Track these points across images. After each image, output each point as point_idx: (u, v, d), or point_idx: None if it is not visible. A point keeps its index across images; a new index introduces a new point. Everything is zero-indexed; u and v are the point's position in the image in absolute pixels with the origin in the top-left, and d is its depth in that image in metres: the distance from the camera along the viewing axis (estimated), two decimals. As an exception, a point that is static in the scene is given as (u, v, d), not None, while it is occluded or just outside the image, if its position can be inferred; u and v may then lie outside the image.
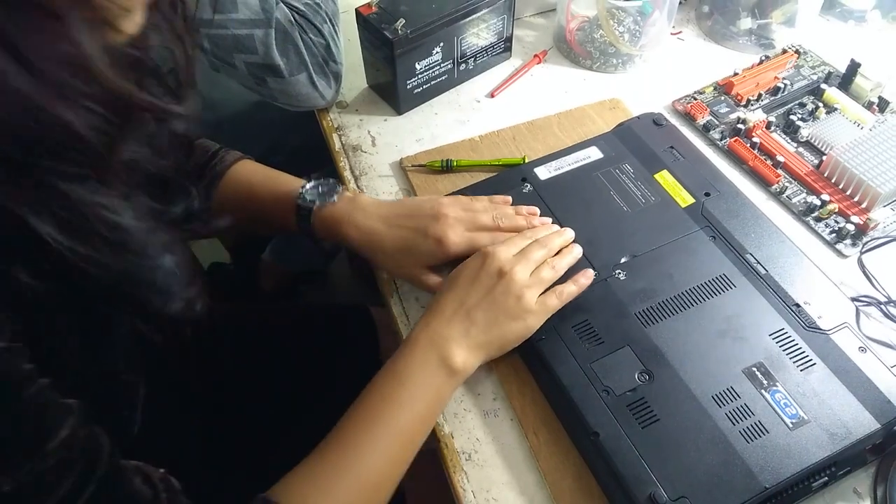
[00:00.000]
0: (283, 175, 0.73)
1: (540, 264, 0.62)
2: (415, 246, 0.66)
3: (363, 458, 0.53)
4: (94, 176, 0.40)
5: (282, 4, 0.75)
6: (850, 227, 0.70)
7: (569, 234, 0.66)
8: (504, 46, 0.91)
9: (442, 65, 0.85)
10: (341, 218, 0.68)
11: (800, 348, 0.58)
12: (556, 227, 0.68)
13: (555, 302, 0.61)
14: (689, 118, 0.84)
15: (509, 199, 0.71)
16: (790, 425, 0.54)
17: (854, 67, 0.83)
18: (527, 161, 0.77)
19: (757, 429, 0.54)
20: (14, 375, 0.38)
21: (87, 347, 0.46)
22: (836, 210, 0.72)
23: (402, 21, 0.78)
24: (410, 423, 0.56)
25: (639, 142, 0.76)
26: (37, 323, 0.40)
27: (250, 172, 0.73)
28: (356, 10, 0.80)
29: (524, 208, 0.69)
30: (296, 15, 0.76)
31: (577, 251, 0.65)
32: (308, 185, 0.70)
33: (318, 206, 0.68)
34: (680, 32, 0.98)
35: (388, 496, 0.55)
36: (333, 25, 0.80)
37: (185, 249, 0.48)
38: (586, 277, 0.63)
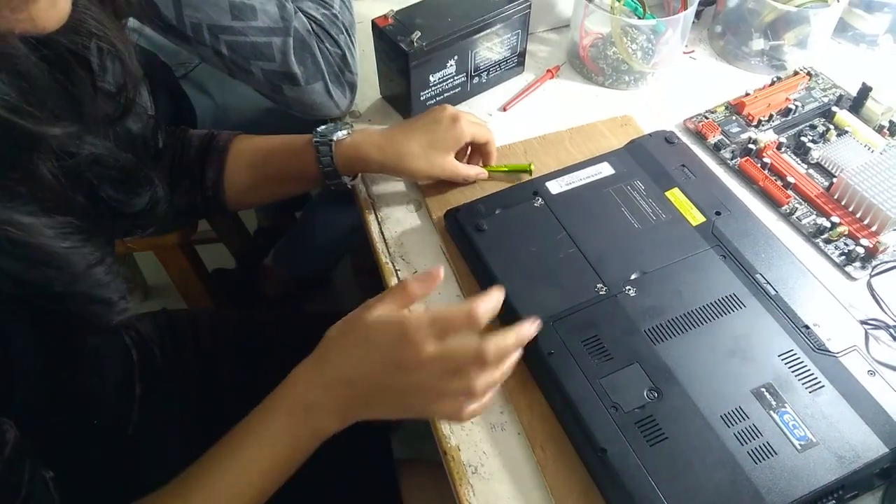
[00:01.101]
0: (288, 135, 0.77)
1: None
2: (436, 131, 0.72)
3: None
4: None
5: (300, 14, 0.76)
6: (860, 250, 0.70)
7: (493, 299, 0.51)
8: (517, 61, 0.92)
9: (455, 77, 0.86)
10: (360, 143, 0.73)
11: (808, 370, 0.59)
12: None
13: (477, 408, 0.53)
14: (700, 137, 0.85)
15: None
16: (798, 447, 0.54)
17: (865, 91, 0.84)
18: (533, 167, 0.79)
19: (765, 450, 0.54)
20: None
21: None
22: (846, 233, 0.72)
23: (417, 34, 0.78)
24: (262, 486, 0.53)
25: (650, 159, 0.76)
26: None
27: (256, 140, 0.77)
28: (372, 21, 0.81)
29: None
30: (313, 24, 0.77)
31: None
32: (320, 129, 0.74)
33: (337, 140, 0.73)
34: (692, 51, 0.98)
35: None
36: (350, 36, 0.81)
37: (116, 264, 0.49)
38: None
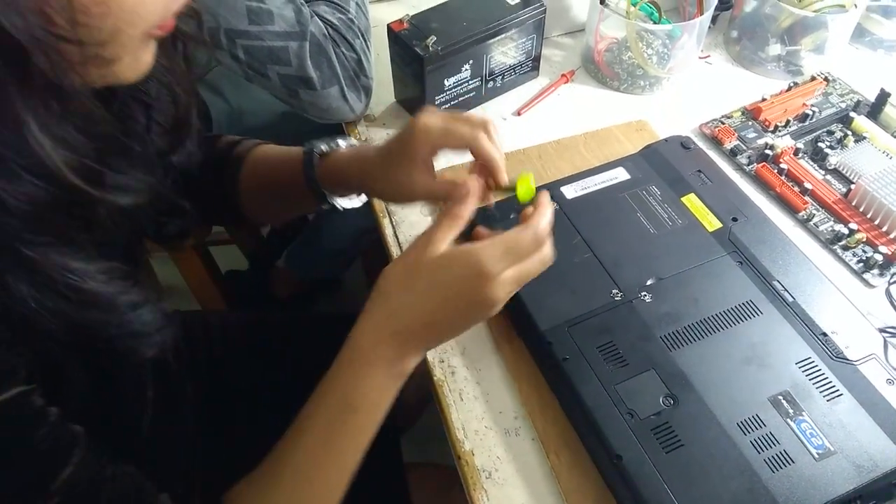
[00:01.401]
0: (295, 147, 0.71)
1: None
2: (397, 140, 0.59)
3: (314, 487, 0.52)
4: (58, 241, 0.41)
5: (316, 18, 0.76)
6: (878, 258, 0.70)
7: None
8: (532, 65, 0.92)
9: (470, 82, 0.86)
10: (343, 158, 0.66)
11: (826, 378, 0.58)
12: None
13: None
14: (716, 142, 0.84)
15: (490, 121, 0.58)
16: (816, 456, 0.54)
17: (884, 97, 0.83)
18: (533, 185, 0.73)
19: (782, 458, 0.53)
20: (27, 419, 0.39)
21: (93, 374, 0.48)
22: (864, 239, 0.72)
23: (433, 38, 0.78)
24: (362, 443, 0.53)
25: (666, 164, 0.76)
26: (46, 353, 0.42)
27: (270, 150, 0.72)
28: (388, 25, 0.81)
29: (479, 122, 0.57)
30: (329, 29, 0.77)
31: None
32: (315, 140, 0.68)
33: (322, 151, 0.67)
34: (708, 56, 0.98)
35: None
36: (365, 41, 0.81)
37: (160, 300, 0.49)
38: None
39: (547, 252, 0.52)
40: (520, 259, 0.50)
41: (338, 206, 0.70)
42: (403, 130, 0.58)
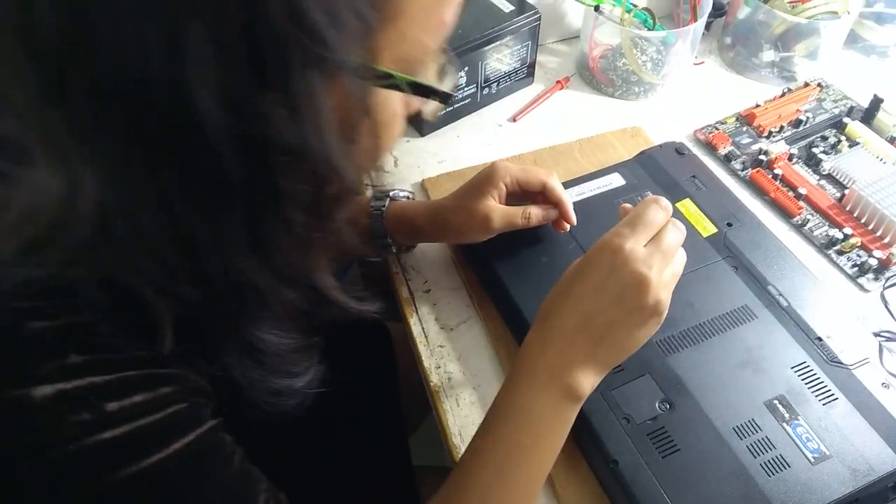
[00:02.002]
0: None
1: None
2: (474, 180, 0.66)
3: None
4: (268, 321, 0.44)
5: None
6: (873, 262, 0.70)
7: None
8: (527, 72, 0.92)
9: (466, 89, 0.86)
10: (412, 207, 0.69)
11: (822, 382, 0.58)
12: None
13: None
14: (710, 148, 0.85)
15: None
16: (812, 460, 0.54)
17: (877, 102, 0.83)
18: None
19: (778, 462, 0.53)
20: (223, 448, 0.40)
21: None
22: (859, 244, 0.72)
23: (428, 44, 0.78)
24: (541, 463, 0.51)
25: (661, 170, 0.76)
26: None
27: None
28: (384, 32, 0.81)
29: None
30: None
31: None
32: (377, 192, 0.70)
33: (392, 196, 0.70)
34: (702, 63, 0.98)
35: None
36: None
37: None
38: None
39: (675, 223, 0.52)
40: (647, 228, 0.51)
41: (392, 249, 0.72)
42: (480, 172, 0.66)
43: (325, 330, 0.50)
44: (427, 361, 0.65)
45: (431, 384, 0.64)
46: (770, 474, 0.53)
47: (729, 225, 0.71)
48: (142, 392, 0.35)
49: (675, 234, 0.52)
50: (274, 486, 0.44)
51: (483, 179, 0.65)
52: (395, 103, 0.39)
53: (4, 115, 0.30)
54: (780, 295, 0.64)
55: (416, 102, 0.42)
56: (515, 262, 0.68)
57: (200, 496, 0.38)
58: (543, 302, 0.53)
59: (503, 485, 0.49)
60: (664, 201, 0.53)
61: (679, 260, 0.52)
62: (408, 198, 0.72)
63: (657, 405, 0.57)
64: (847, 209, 0.75)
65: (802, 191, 0.77)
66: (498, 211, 0.64)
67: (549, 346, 0.50)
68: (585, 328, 0.50)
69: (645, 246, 0.50)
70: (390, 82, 0.35)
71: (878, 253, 0.71)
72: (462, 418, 0.61)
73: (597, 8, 0.87)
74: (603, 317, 0.49)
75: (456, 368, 0.65)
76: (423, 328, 0.68)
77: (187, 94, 0.29)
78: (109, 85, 0.29)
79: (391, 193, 0.70)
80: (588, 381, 0.50)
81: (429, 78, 0.40)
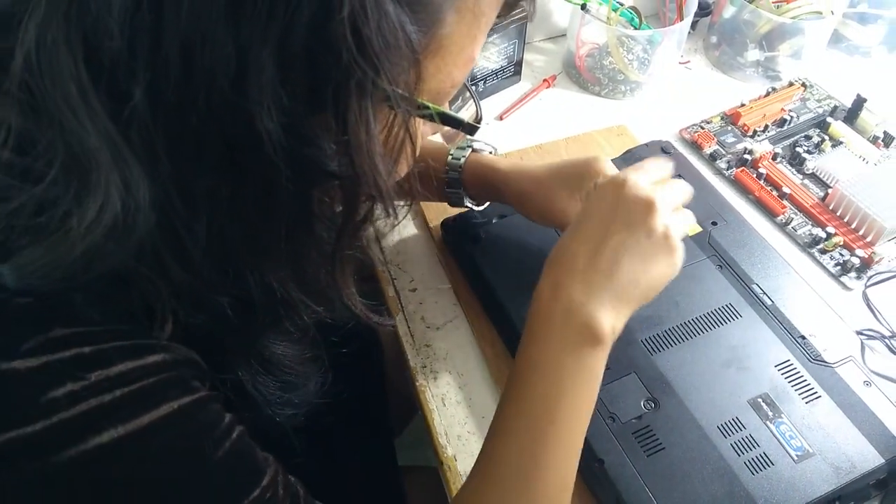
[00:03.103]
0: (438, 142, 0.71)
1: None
2: (572, 166, 0.62)
3: (542, 472, 0.46)
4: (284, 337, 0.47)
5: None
6: (855, 261, 0.71)
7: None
8: (514, 70, 0.92)
9: (452, 86, 0.86)
10: (500, 168, 0.66)
11: (805, 381, 0.59)
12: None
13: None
14: (695, 147, 0.85)
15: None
16: (795, 458, 0.54)
17: (860, 102, 0.84)
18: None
19: (762, 460, 0.54)
20: (216, 422, 0.38)
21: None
22: (842, 243, 0.73)
23: (415, 42, 0.78)
24: (572, 421, 0.47)
25: (647, 169, 0.77)
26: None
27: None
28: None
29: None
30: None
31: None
32: (459, 142, 0.69)
33: (476, 148, 0.68)
34: (688, 62, 0.99)
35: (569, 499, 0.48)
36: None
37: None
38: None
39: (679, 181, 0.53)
40: (648, 173, 0.51)
41: (469, 206, 0.70)
42: (581, 161, 0.61)
43: (326, 338, 0.51)
44: (413, 361, 0.65)
45: (417, 383, 0.64)
46: (754, 472, 0.53)
47: (714, 224, 0.71)
48: (129, 360, 0.34)
49: (680, 184, 0.52)
50: (287, 477, 0.42)
51: (579, 173, 0.60)
52: (420, 130, 0.41)
53: (69, 131, 0.31)
54: (764, 293, 0.65)
55: (429, 129, 0.44)
56: (502, 263, 0.68)
57: (181, 472, 0.36)
58: (553, 248, 0.51)
59: (536, 447, 0.46)
60: (666, 160, 0.53)
61: (687, 214, 0.52)
62: (491, 152, 0.69)
63: (642, 404, 0.57)
64: (830, 208, 0.76)
65: (786, 190, 0.78)
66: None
67: (561, 287, 0.48)
68: (596, 260, 0.48)
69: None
70: (425, 112, 0.38)
71: (860, 252, 0.71)
72: (448, 417, 0.61)
73: (583, 7, 0.87)
74: (612, 243, 0.48)
75: (442, 368, 0.65)
76: (409, 327, 0.68)
77: (251, 116, 0.31)
78: (175, 104, 0.31)
79: (474, 144, 0.68)
80: (607, 320, 0.47)
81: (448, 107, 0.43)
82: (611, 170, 0.60)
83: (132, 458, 0.33)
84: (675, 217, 0.50)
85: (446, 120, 0.40)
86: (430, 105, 0.38)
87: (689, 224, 0.52)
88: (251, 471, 0.39)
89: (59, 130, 0.31)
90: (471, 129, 0.44)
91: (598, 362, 0.48)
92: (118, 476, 0.33)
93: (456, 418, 0.61)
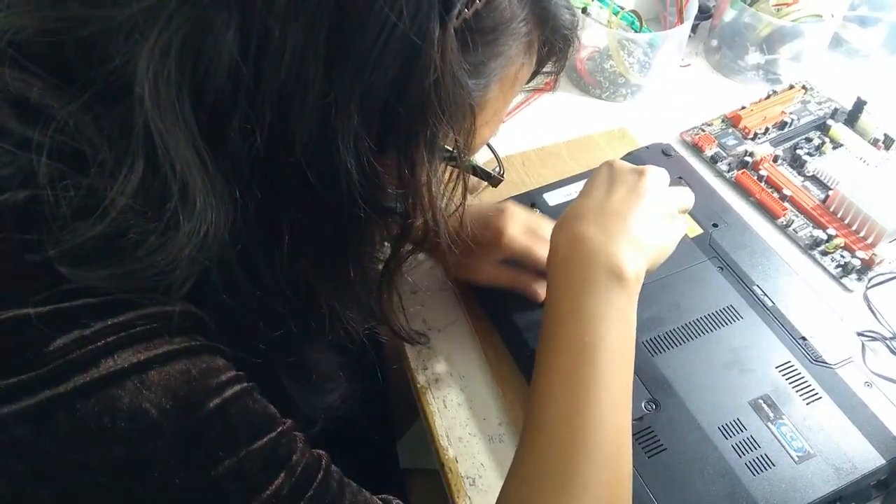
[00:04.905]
0: None
1: None
2: (478, 234, 0.60)
3: (593, 424, 0.45)
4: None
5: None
6: (856, 262, 0.71)
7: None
8: (515, 73, 0.92)
9: (454, 90, 0.86)
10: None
11: (806, 382, 0.59)
12: None
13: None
14: (696, 149, 0.85)
15: None
16: (796, 459, 0.54)
17: (860, 105, 0.84)
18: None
19: (763, 461, 0.54)
20: (223, 371, 0.38)
21: None
22: (842, 245, 0.73)
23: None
24: (613, 365, 0.47)
25: (647, 171, 0.77)
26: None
27: None
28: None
29: None
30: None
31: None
32: None
33: None
34: (689, 65, 0.99)
35: (629, 449, 0.46)
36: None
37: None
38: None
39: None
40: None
41: None
42: (485, 227, 0.63)
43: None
44: (414, 362, 0.65)
45: (418, 385, 0.64)
46: (755, 473, 0.53)
47: (715, 226, 0.71)
48: (134, 310, 0.35)
49: (681, 188, 0.58)
50: (308, 446, 0.42)
51: (481, 247, 0.60)
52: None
53: (171, 158, 0.34)
54: (765, 295, 0.65)
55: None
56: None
57: (180, 406, 0.35)
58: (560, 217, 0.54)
59: (580, 403, 0.45)
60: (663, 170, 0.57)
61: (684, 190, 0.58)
62: (497, 171, 0.69)
63: (643, 405, 0.58)
64: (831, 210, 0.76)
65: (787, 192, 0.78)
66: (496, 278, 0.66)
67: (577, 234, 0.51)
68: (606, 209, 0.52)
69: None
70: (462, 164, 0.42)
71: (861, 253, 0.71)
72: (449, 419, 0.61)
73: (584, 10, 0.88)
74: (616, 199, 0.52)
75: (443, 369, 0.65)
76: (406, 317, 0.68)
77: (334, 157, 0.35)
78: (267, 143, 0.34)
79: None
80: (629, 260, 0.49)
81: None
82: (515, 230, 0.64)
83: (131, 388, 0.34)
84: (670, 188, 0.55)
85: (476, 172, 0.49)
86: (467, 158, 0.43)
87: (686, 199, 0.57)
88: (264, 417, 0.39)
89: (163, 158, 0.34)
90: (496, 181, 0.52)
91: (628, 304, 0.49)
92: (118, 406, 0.33)
93: (457, 420, 0.61)
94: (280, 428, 0.39)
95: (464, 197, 0.44)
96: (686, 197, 0.57)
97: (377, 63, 0.34)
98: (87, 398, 0.33)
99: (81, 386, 0.32)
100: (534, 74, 0.47)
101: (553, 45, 0.45)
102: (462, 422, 0.61)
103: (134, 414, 0.33)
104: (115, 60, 0.34)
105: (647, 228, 0.51)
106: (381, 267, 0.47)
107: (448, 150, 0.41)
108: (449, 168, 0.43)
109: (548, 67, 0.48)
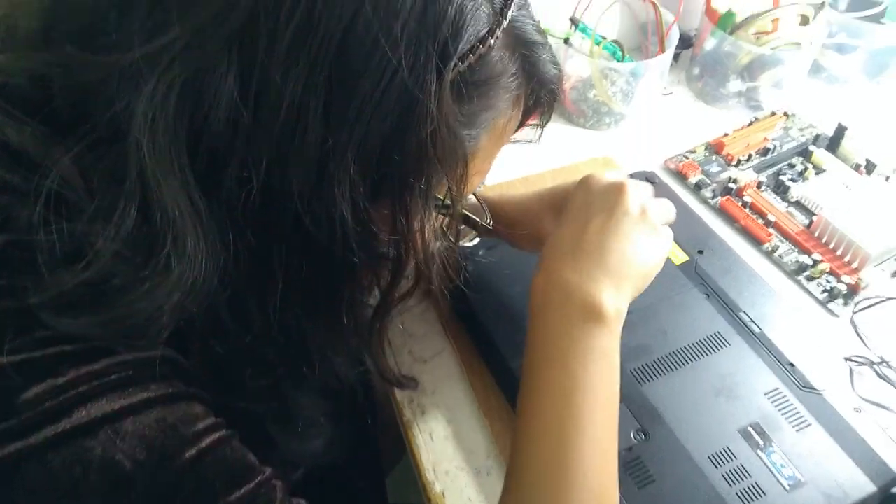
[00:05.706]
0: None
1: None
2: (563, 193, 0.61)
3: (573, 475, 0.43)
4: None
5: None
6: (842, 287, 0.71)
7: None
8: (499, 104, 0.93)
9: (438, 120, 0.87)
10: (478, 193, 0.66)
11: (795, 408, 0.58)
12: None
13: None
14: (680, 177, 0.86)
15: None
16: (787, 487, 0.53)
17: (841, 130, 0.85)
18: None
19: (754, 490, 0.53)
20: (200, 418, 0.37)
21: None
22: (828, 270, 0.73)
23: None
24: (595, 407, 0.46)
25: (632, 199, 0.77)
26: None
27: None
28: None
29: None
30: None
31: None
32: None
33: None
34: (671, 93, 1.00)
35: (616, 492, 0.45)
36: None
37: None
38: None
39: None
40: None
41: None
42: (565, 184, 0.62)
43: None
44: (400, 395, 0.65)
45: (405, 419, 0.63)
46: (746, 503, 0.52)
47: (700, 252, 0.71)
48: (108, 358, 0.34)
49: (662, 200, 0.57)
50: (289, 494, 0.40)
51: (565, 197, 0.59)
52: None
53: (165, 203, 0.33)
54: (752, 321, 0.65)
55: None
56: (490, 294, 0.68)
57: (154, 457, 0.34)
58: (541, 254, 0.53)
59: (561, 448, 0.44)
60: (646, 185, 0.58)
61: (665, 203, 0.57)
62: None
63: (632, 435, 0.57)
64: (815, 235, 0.76)
65: (771, 218, 0.78)
66: None
67: (553, 273, 0.50)
68: (582, 243, 0.50)
69: None
70: (455, 211, 0.43)
71: (846, 278, 0.71)
72: (436, 453, 0.60)
73: (567, 41, 0.89)
74: (593, 227, 0.51)
75: (429, 402, 0.64)
76: (395, 361, 0.68)
77: (329, 203, 0.35)
78: (262, 188, 0.34)
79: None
80: (607, 297, 0.48)
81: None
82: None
83: (105, 438, 0.33)
84: (651, 201, 0.54)
85: (466, 220, 0.51)
86: (457, 206, 0.43)
87: (667, 211, 0.56)
88: (242, 467, 0.38)
89: (157, 206, 0.33)
90: (486, 230, 0.56)
91: (608, 343, 0.48)
92: (91, 457, 0.33)
93: (444, 454, 0.60)
94: (258, 478, 0.38)
95: (456, 241, 0.45)
96: (667, 209, 0.57)
97: (375, 112, 0.34)
98: (58, 449, 0.32)
99: (53, 437, 0.32)
100: (521, 125, 0.48)
101: (539, 98, 0.46)
102: (449, 455, 0.60)
103: (107, 466, 0.33)
104: (114, 106, 0.33)
105: (628, 258, 0.50)
106: (370, 312, 0.46)
107: (439, 199, 0.41)
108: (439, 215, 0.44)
109: (533, 119, 0.49)
